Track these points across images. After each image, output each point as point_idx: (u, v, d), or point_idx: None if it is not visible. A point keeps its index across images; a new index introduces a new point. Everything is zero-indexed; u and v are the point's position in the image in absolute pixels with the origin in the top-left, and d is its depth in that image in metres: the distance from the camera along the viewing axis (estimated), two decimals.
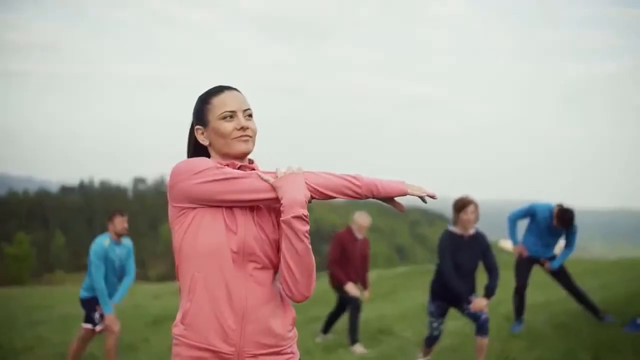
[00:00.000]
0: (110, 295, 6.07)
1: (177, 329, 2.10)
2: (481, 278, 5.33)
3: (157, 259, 57.62)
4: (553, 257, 6.88)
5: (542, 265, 6.92)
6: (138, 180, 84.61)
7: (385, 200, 2.14)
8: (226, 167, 2.09)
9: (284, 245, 2.03)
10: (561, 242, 7.56)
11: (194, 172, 2.03)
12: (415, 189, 2.15)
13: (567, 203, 6.76)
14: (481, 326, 5.17)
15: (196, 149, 2.21)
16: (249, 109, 2.15)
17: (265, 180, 2.05)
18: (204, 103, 2.16)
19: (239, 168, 2.13)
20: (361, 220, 7.18)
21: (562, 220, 6.55)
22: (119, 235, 6.12)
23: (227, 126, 2.10)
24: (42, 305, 13.64)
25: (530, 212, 6.86)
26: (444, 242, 5.29)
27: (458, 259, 5.23)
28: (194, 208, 2.04)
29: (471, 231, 5.31)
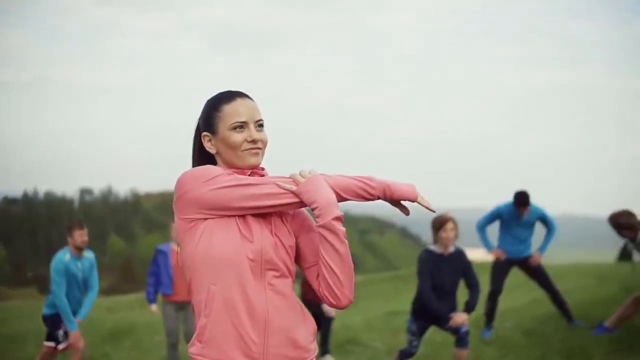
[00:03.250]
0: (75, 311, 5.83)
1: (194, 348, 1.97)
2: (461, 294, 5.28)
3: (104, 271, 56.17)
4: (530, 256, 6.93)
5: (520, 266, 6.97)
6: (84, 191, 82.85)
7: (393, 202, 2.09)
8: (235, 174, 2.00)
9: (324, 251, 1.94)
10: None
11: (204, 179, 1.93)
12: (423, 198, 2.10)
13: None
14: (461, 339, 5.13)
15: (201, 156, 2.11)
16: (260, 119, 2.06)
17: (287, 188, 1.96)
18: (213, 109, 2.06)
19: (249, 175, 2.04)
20: None
21: (521, 202, 6.70)
22: (80, 249, 5.88)
23: (238, 137, 2.01)
24: None
25: (496, 214, 6.94)
26: (423, 262, 5.17)
27: (439, 278, 5.13)
28: (205, 219, 1.94)
29: (451, 249, 5.22)
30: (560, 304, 6.94)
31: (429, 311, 5.15)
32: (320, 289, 2.00)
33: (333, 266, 1.94)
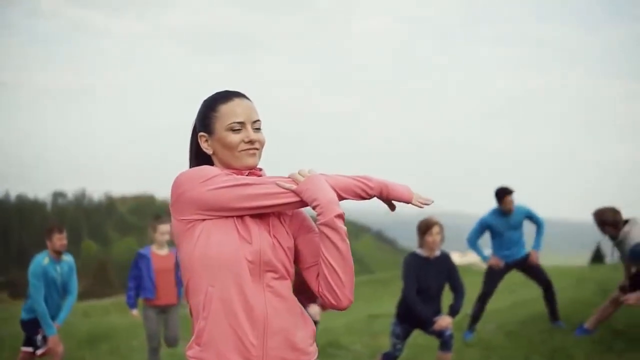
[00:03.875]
0: (54, 315, 5.73)
1: (191, 351, 1.93)
2: (446, 298, 5.27)
3: (79, 275, 55.35)
4: (527, 256, 6.94)
5: (518, 267, 6.97)
6: (57, 195, 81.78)
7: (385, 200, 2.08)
8: (233, 174, 1.97)
9: (325, 249, 1.91)
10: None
11: (202, 179, 1.89)
12: (420, 196, 2.09)
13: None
14: (446, 342, 5.12)
15: (198, 156, 2.08)
16: (258, 119, 2.04)
17: (287, 187, 1.93)
18: (210, 110, 2.03)
19: (247, 175, 2.00)
20: None
21: (503, 194, 6.72)
22: (58, 253, 5.79)
23: (235, 138, 1.98)
24: None
25: (484, 225, 6.89)
26: (408, 265, 5.15)
27: (425, 281, 5.12)
28: (203, 219, 1.89)
29: (437, 252, 5.21)
30: (552, 304, 6.96)
31: (413, 314, 5.14)
32: (320, 289, 1.97)
33: (334, 265, 1.91)
